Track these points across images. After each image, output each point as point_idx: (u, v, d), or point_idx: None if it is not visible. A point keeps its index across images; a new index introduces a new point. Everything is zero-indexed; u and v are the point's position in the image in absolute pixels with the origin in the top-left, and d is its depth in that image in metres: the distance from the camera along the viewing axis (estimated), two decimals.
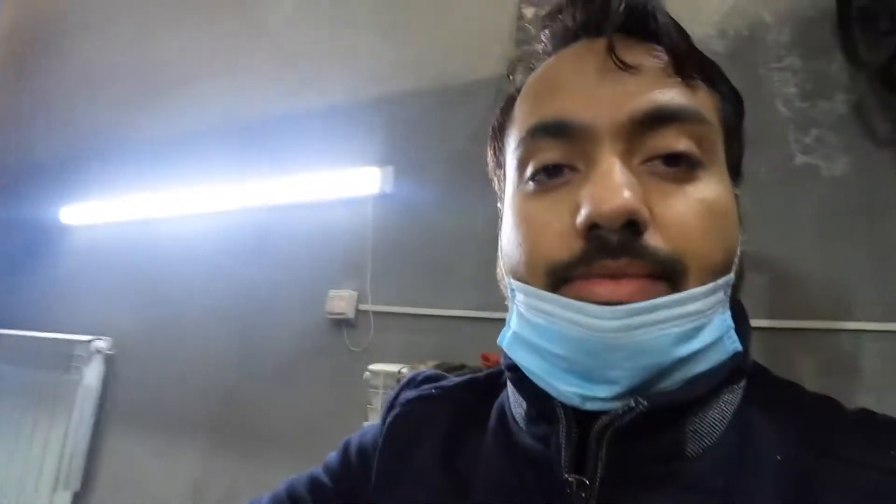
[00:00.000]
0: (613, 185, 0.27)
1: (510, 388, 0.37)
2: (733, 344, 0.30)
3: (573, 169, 0.31)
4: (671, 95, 0.30)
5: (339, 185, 1.57)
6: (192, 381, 1.70)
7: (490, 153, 0.42)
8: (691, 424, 0.29)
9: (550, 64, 0.35)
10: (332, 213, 1.59)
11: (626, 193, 0.27)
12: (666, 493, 0.29)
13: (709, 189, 0.30)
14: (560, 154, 0.31)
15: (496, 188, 0.43)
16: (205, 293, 1.76)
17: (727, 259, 0.30)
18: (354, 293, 1.46)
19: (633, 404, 0.27)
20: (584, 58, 0.32)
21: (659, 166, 0.30)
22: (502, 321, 1.23)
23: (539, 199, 0.32)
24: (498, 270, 0.38)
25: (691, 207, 0.29)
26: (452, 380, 0.45)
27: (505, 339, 0.34)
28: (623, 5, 0.32)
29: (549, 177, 0.31)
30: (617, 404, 0.28)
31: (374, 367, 1.22)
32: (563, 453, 0.30)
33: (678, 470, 0.29)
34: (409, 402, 0.43)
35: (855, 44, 0.98)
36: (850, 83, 1.08)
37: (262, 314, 1.63)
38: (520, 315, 0.32)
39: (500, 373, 0.42)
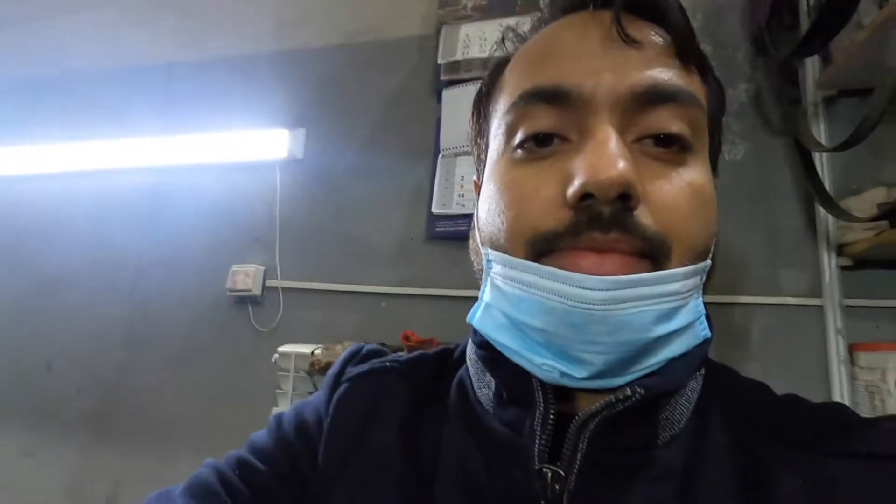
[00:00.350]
0: (611, 154, 0.27)
1: (474, 367, 0.35)
2: (704, 331, 0.29)
3: (564, 139, 0.30)
4: (671, 75, 0.29)
5: (242, 147, 1.41)
6: (66, 368, 1.48)
7: (472, 121, 0.40)
8: (664, 412, 0.29)
9: (548, 31, 0.34)
10: (236, 178, 1.43)
11: (623, 165, 0.26)
12: (639, 482, 0.28)
13: (697, 173, 0.30)
14: (553, 122, 0.30)
15: (474, 159, 0.41)
16: (83, 265, 1.52)
17: (707, 244, 0.30)
18: (261, 268, 1.34)
19: (629, 392, 0.27)
20: (588, 26, 0.31)
21: (650, 146, 0.29)
22: (424, 298, 1.19)
23: (527, 166, 0.30)
24: (472, 243, 0.37)
25: (680, 190, 0.28)
26: (401, 355, 0.43)
27: (476, 313, 0.32)
28: None
29: (539, 145, 0.30)
30: (592, 384, 0.27)
31: (284, 348, 1.13)
32: (537, 441, 0.29)
33: (649, 458, 0.29)
34: (359, 377, 0.39)
35: (762, 36, 1.03)
36: (752, 73, 1.15)
37: (154, 290, 1.45)
38: (495, 287, 0.31)
39: (451, 350, 0.42)
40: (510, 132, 0.32)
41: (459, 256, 1.22)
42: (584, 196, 0.27)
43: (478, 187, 0.39)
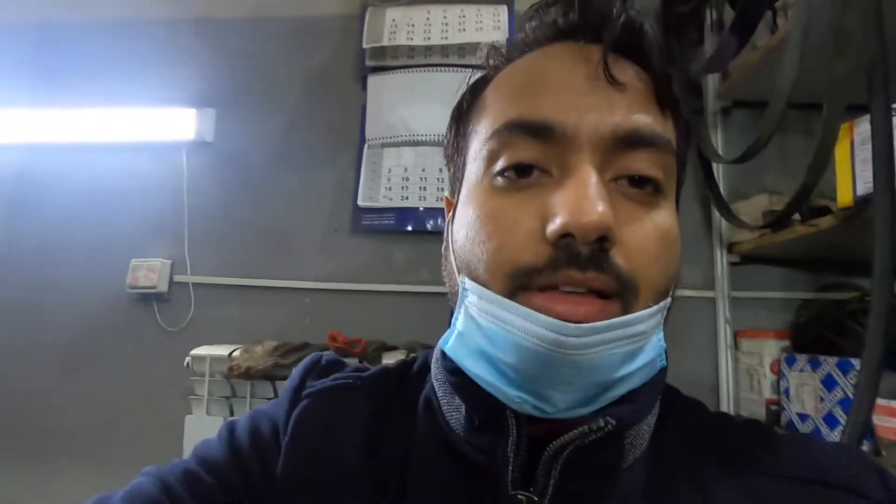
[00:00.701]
0: (592, 197, 0.27)
1: (442, 389, 0.35)
2: (662, 361, 0.31)
3: (544, 171, 0.30)
4: (650, 121, 0.31)
5: (140, 125, 1.26)
6: None
7: (449, 135, 0.40)
8: (629, 437, 0.31)
9: (534, 58, 0.34)
10: (133, 160, 1.28)
11: (604, 208, 0.27)
12: (603, 493, 0.30)
13: (665, 216, 0.31)
14: (535, 154, 0.30)
15: (448, 175, 0.41)
16: None
17: (669, 284, 0.31)
18: (167, 262, 1.22)
19: (601, 423, 0.28)
20: (575, 61, 0.32)
21: (626, 186, 0.30)
22: (350, 293, 1.15)
23: (507, 196, 0.31)
24: (445, 263, 0.36)
25: (650, 233, 0.30)
26: (363, 369, 0.41)
27: (448, 341, 0.32)
28: (622, 18, 0.32)
29: (519, 175, 0.31)
30: (561, 415, 0.28)
31: (197, 350, 1.05)
32: (510, 467, 0.29)
33: (615, 481, 0.31)
34: (322, 392, 0.38)
35: (671, 48, 1.10)
36: None
37: (27, 286, 1.26)
38: (469, 317, 0.31)
39: (411, 363, 0.41)
40: (491, 159, 0.32)
41: (387, 250, 1.20)
42: (564, 234, 0.27)
43: (450, 204, 0.39)
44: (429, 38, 1.19)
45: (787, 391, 0.92)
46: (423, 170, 1.18)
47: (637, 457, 0.31)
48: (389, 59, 1.23)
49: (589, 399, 0.29)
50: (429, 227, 1.18)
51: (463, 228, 0.33)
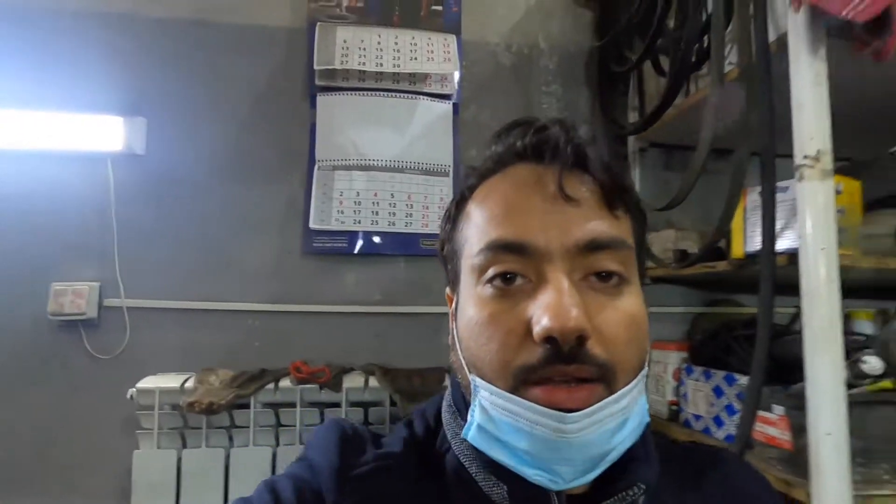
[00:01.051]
0: (567, 305, 0.34)
1: (475, 467, 0.40)
2: (646, 418, 0.39)
3: (525, 278, 0.37)
4: (604, 227, 0.38)
5: (53, 132, 1.14)
6: None
7: (443, 236, 0.47)
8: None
9: (503, 183, 0.41)
10: (52, 173, 1.16)
11: (577, 314, 0.34)
12: None
13: (631, 301, 0.38)
14: (516, 266, 0.37)
15: (445, 270, 0.47)
16: None
17: (643, 359, 0.38)
18: (95, 284, 1.14)
19: (636, 491, 0.37)
20: (536, 186, 0.39)
21: (594, 281, 0.37)
22: (303, 315, 1.16)
23: (499, 301, 0.38)
24: (453, 354, 0.43)
25: (620, 320, 0.37)
26: (393, 443, 0.45)
27: (470, 431, 0.38)
28: (570, 147, 0.39)
29: (505, 282, 0.38)
30: (569, 485, 0.36)
31: (144, 384, 1.01)
32: None
33: None
34: (367, 477, 0.41)
35: (604, 77, 1.23)
36: (590, 116, 1.37)
37: None
38: (483, 410, 0.37)
39: (423, 433, 0.46)
40: (482, 270, 0.39)
41: (339, 272, 1.23)
42: (548, 337, 0.34)
43: (450, 299, 0.46)
44: (381, 65, 1.21)
45: (685, 395, 1.12)
46: (376, 195, 1.22)
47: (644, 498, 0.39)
48: (340, 81, 1.23)
49: (589, 469, 0.36)
50: (381, 250, 1.22)
51: (466, 331, 0.39)
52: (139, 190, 1.18)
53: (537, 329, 0.34)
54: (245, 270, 1.19)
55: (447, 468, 0.42)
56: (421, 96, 1.26)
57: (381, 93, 1.24)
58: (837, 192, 0.77)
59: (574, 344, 0.34)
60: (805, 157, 0.74)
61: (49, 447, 1.10)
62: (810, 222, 0.73)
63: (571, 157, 0.39)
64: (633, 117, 1.31)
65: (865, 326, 1.23)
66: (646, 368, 0.39)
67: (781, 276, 0.80)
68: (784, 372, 0.85)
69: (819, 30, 0.75)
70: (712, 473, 0.45)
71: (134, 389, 1.01)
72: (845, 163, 0.99)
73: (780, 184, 0.82)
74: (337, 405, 1.08)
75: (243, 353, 1.16)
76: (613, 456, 0.37)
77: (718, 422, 1.01)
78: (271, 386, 1.03)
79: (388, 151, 1.23)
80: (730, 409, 0.98)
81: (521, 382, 0.36)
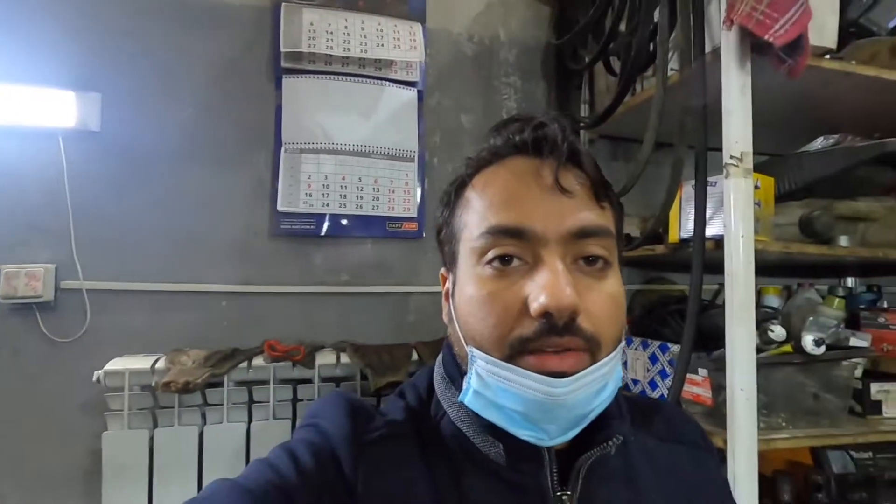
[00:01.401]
0: (563, 285, 0.39)
1: (472, 430, 0.44)
2: (620, 382, 0.45)
3: (522, 260, 0.42)
4: (593, 217, 0.43)
5: (6, 107, 1.08)
6: None
7: (441, 212, 0.50)
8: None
9: (501, 176, 0.45)
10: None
11: (570, 293, 0.38)
12: (605, 481, 0.45)
13: (614, 284, 0.43)
14: (514, 249, 0.42)
15: (441, 250, 0.50)
16: None
17: (621, 332, 0.44)
18: (51, 266, 1.10)
19: (614, 441, 0.43)
20: (534, 177, 0.43)
21: (583, 265, 0.42)
22: (272, 296, 1.19)
23: (496, 281, 0.42)
24: (451, 328, 0.47)
25: (604, 300, 0.42)
26: (395, 412, 0.48)
27: (466, 395, 0.43)
28: (566, 144, 0.43)
29: (503, 264, 0.42)
30: (555, 441, 0.41)
31: (112, 365, 1.01)
32: (551, 480, 0.43)
33: (609, 468, 0.45)
34: (379, 443, 0.44)
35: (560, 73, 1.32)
36: (547, 108, 1.46)
37: None
38: (479, 377, 0.42)
39: (418, 401, 0.49)
40: (481, 253, 0.43)
41: (307, 253, 1.25)
42: (545, 312, 0.38)
43: (444, 278, 0.50)
44: (348, 50, 1.23)
45: (625, 363, 1.26)
46: (343, 178, 1.25)
47: (618, 447, 0.45)
48: (306, 63, 1.24)
49: (572, 427, 0.41)
50: (348, 232, 1.26)
51: (465, 306, 0.43)
52: (96, 168, 1.14)
53: (535, 305, 0.39)
54: (212, 251, 1.19)
55: (444, 432, 0.46)
56: (387, 82, 1.29)
57: (348, 78, 1.26)
58: (756, 188, 0.91)
59: (567, 319, 0.38)
60: (731, 157, 0.86)
61: (9, 432, 1.07)
62: (734, 214, 0.86)
63: (567, 153, 0.43)
64: (584, 110, 1.42)
65: (773, 300, 1.43)
66: (623, 341, 0.44)
67: (708, 258, 0.93)
68: (708, 340, 0.99)
69: (746, 46, 0.86)
70: (658, 417, 0.55)
71: (101, 372, 1.01)
72: (764, 157, 1.14)
73: (710, 178, 0.94)
74: (309, 381, 1.13)
75: (212, 334, 1.17)
76: (593, 415, 0.42)
77: (653, 385, 1.16)
78: (244, 364, 1.06)
79: (356, 136, 1.26)
80: (663, 374, 1.13)
81: (516, 352, 0.40)
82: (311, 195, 1.23)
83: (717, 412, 0.94)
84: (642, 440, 0.51)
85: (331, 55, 1.23)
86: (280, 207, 1.21)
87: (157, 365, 1.02)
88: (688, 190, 1.00)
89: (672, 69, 1.02)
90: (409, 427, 0.47)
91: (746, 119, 0.86)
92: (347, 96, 1.26)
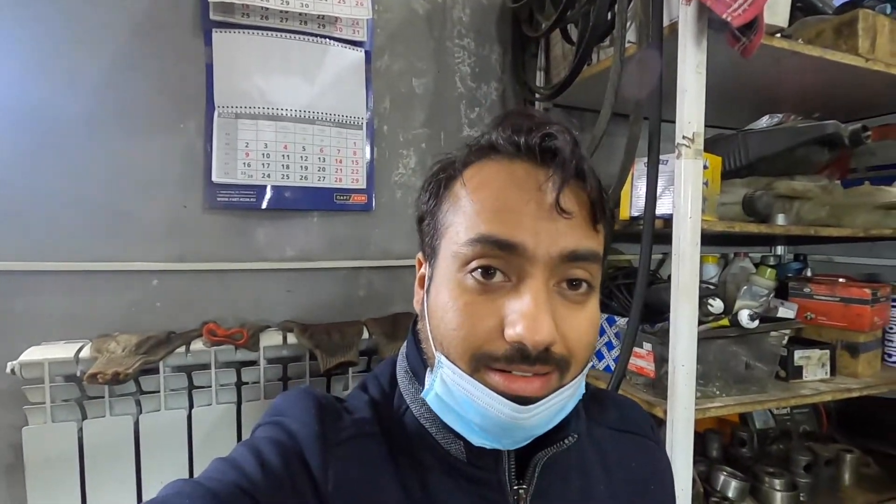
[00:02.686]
0: (543, 318, 0.38)
1: (435, 428, 0.45)
2: (580, 395, 0.45)
3: (505, 275, 0.40)
4: (587, 242, 0.41)
5: None
6: None
7: (424, 200, 0.47)
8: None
9: (498, 179, 0.42)
10: None
11: (549, 328, 0.38)
12: (559, 474, 0.47)
13: (593, 309, 0.43)
14: (499, 263, 0.40)
15: (421, 236, 0.48)
16: None
17: (592, 354, 0.45)
18: None
19: (570, 440, 0.44)
20: (534, 191, 0.40)
21: (566, 289, 0.41)
22: (207, 273, 1.11)
23: (477, 294, 0.40)
24: (423, 324, 0.45)
25: (582, 326, 0.41)
26: (361, 408, 0.47)
27: (429, 395, 0.43)
28: (574, 161, 0.40)
29: (485, 276, 0.40)
30: (512, 448, 0.43)
31: (29, 355, 0.91)
32: (509, 475, 0.44)
33: (563, 464, 0.47)
34: (348, 443, 0.43)
35: (516, 38, 1.27)
36: (501, 74, 1.40)
37: None
38: (444, 383, 0.41)
39: (381, 396, 0.49)
40: (466, 260, 0.41)
41: (247, 228, 1.17)
42: (519, 341, 0.38)
43: (420, 263, 0.48)
44: (287, 3, 1.11)
45: None
46: (286, 147, 1.16)
47: (571, 444, 0.46)
48: (239, 16, 1.11)
49: (524, 441, 0.43)
50: (292, 205, 1.19)
51: (439, 311, 0.42)
52: None
53: (510, 332, 0.38)
54: (138, 227, 1.09)
55: (407, 427, 0.46)
56: (331, 41, 1.18)
57: (287, 34, 1.14)
58: (704, 167, 0.92)
59: (541, 350, 0.38)
60: (684, 136, 0.86)
61: None
62: (683, 195, 0.86)
63: (573, 171, 0.40)
64: (539, 78, 1.38)
65: (711, 269, 1.50)
66: (592, 361, 0.45)
67: (655, 231, 0.95)
68: (651, 313, 1.02)
69: (704, 23, 0.85)
70: (610, 407, 0.56)
71: (16, 363, 0.91)
72: (716, 131, 1.16)
73: (662, 157, 0.94)
74: (254, 363, 1.08)
75: (143, 317, 1.08)
76: (547, 430, 0.43)
77: (599, 356, 1.20)
78: (182, 349, 0.99)
79: (298, 101, 1.16)
80: (609, 346, 1.16)
81: (481, 365, 0.40)
82: (249, 165, 1.13)
83: (659, 384, 0.98)
84: (594, 430, 0.53)
85: (267, 8, 1.11)
86: (215, 178, 1.11)
87: (82, 353, 0.94)
88: (640, 167, 1.00)
89: (629, 41, 1.00)
90: (375, 425, 0.46)
91: (700, 99, 0.86)
92: (287, 56, 1.15)
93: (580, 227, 0.41)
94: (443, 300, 0.42)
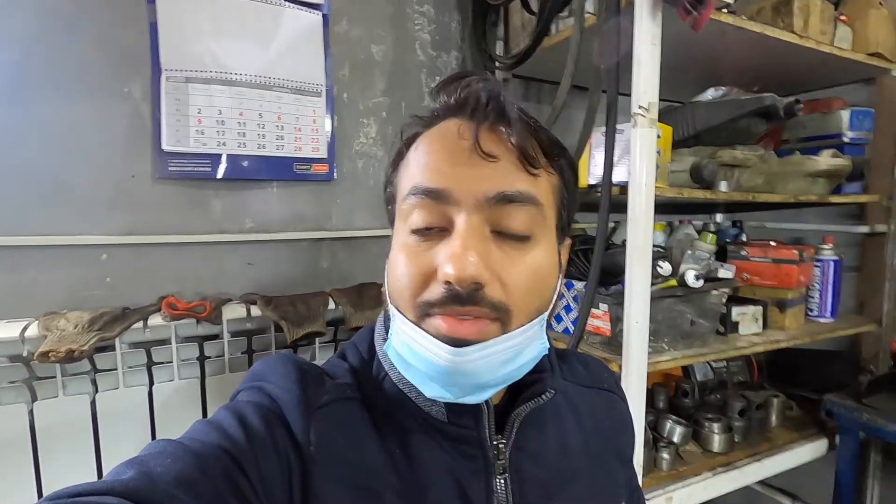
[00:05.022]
0: (466, 255, 0.39)
1: (414, 392, 0.46)
2: (545, 350, 0.46)
3: (442, 228, 0.42)
4: (518, 184, 0.42)
5: None
6: None
7: (390, 172, 0.49)
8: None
9: (431, 137, 0.45)
10: None
11: (473, 264, 0.39)
12: (535, 427, 0.49)
13: (536, 255, 0.43)
14: (433, 218, 0.42)
15: (386, 200, 0.50)
16: None
17: (542, 305, 0.44)
18: None
19: (548, 396, 0.47)
20: (457, 140, 0.42)
21: (503, 238, 0.42)
22: (163, 246, 1.10)
23: (417, 246, 0.43)
24: (385, 288, 0.47)
25: (521, 271, 0.42)
26: (342, 375, 0.48)
27: (389, 349, 0.45)
28: (490, 104, 0.42)
29: (424, 235, 0.42)
30: (461, 401, 0.42)
31: None
32: (488, 431, 0.46)
33: (539, 417, 0.49)
34: (330, 406, 0.44)
35: (476, 6, 1.26)
36: (461, 44, 1.39)
37: None
38: (397, 335, 0.44)
39: (360, 361, 0.50)
40: (407, 215, 0.43)
41: (203, 198, 1.13)
42: (448, 281, 0.39)
43: (391, 218, 0.49)
44: None
45: None
46: (241, 114, 1.11)
47: (546, 401, 0.49)
48: None
49: (476, 392, 0.42)
50: (250, 175, 1.15)
51: (391, 269, 0.45)
52: None
53: (439, 273, 0.40)
54: (81, 198, 1.02)
55: (387, 392, 0.47)
56: (286, 3, 1.13)
57: None
58: (658, 137, 0.97)
59: (471, 288, 0.39)
60: (640, 107, 0.90)
61: None
62: (639, 163, 0.91)
63: (492, 115, 0.41)
64: (499, 47, 1.38)
65: (658, 236, 1.59)
66: (547, 311, 0.45)
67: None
68: (607, 276, 1.08)
69: None
70: (578, 365, 0.60)
71: None
72: (665, 103, 1.21)
73: (618, 126, 0.99)
74: (216, 337, 1.06)
75: (94, 293, 1.03)
76: (505, 383, 0.44)
77: (558, 318, 1.26)
78: (140, 325, 0.96)
79: (253, 65, 1.11)
80: (567, 308, 1.23)
81: (424, 314, 0.41)
82: (203, 133, 1.08)
83: (615, 341, 1.05)
84: (567, 387, 0.56)
85: None
86: (166, 147, 1.05)
87: (28, 332, 0.88)
88: (597, 137, 1.04)
89: (588, 12, 1.02)
90: (356, 390, 0.47)
91: (655, 70, 0.90)
92: (240, 17, 1.09)
93: (507, 171, 0.42)
94: (393, 258, 0.45)
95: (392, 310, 0.44)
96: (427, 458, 0.45)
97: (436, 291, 0.40)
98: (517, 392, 0.48)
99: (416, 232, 0.43)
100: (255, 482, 0.37)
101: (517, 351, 0.43)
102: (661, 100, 0.92)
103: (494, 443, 0.46)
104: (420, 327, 0.42)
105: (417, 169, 0.44)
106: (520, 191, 0.42)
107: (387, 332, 0.48)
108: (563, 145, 0.47)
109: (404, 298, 0.43)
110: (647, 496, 1.03)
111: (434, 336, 0.40)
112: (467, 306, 0.40)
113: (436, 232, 0.42)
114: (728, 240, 1.58)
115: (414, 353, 0.42)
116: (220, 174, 1.11)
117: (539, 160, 0.43)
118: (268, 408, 0.43)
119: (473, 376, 0.41)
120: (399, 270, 0.43)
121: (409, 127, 0.48)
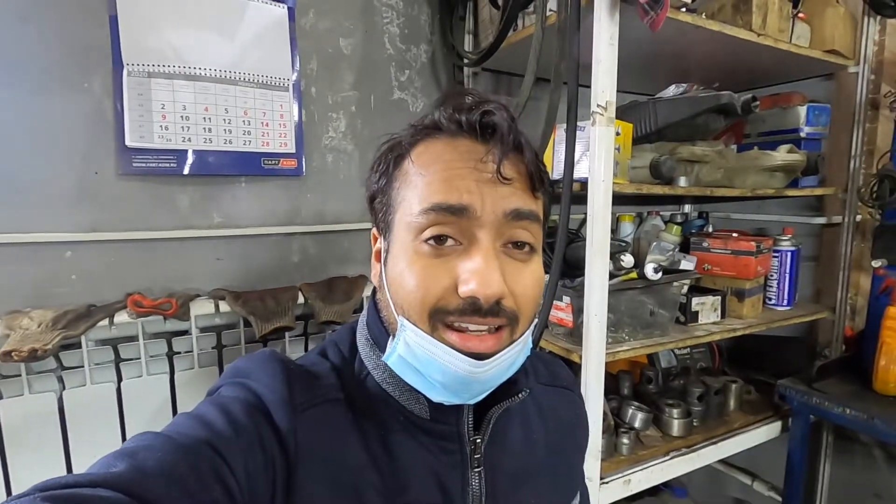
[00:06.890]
0: (493, 274, 0.42)
1: (399, 390, 0.48)
2: (529, 350, 0.50)
3: (456, 241, 0.44)
4: (527, 204, 0.46)
5: None
6: None
7: (377, 183, 0.49)
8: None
9: (445, 155, 0.45)
10: None
11: (497, 282, 0.42)
12: (507, 424, 0.52)
13: (536, 267, 0.47)
14: (451, 228, 0.44)
15: (373, 210, 0.51)
16: None
17: (537, 310, 0.49)
18: None
19: (523, 395, 0.49)
20: (478, 162, 0.44)
21: (511, 249, 0.46)
22: (129, 242, 1.10)
23: (431, 258, 0.44)
24: (383, 294, 0.49)
25: (527, 282, 0.46)
26: (326, 374, 0.50)
27: (390, 358, 0.46)
28: (512, 135, 0.45)
29: (439, 243, 0.44)
30: (467, 402, 0.47)
31: None
32: (467, 427, 0.49)
33: (512, 416, 0.53)
34: (315, 408, 0.46)
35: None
36: (431, 37, 1.40)
37: None
38: (407, 345, 0.45)
39: (341, 363, 0.51)
40: (420, 230, 0.44)
41: (168, 194, 1.12)
42: (471, 296, 0.42)
43: (376, 238, 0.51)
44: None
45: None
46: (207, 109, 1.10)
47: (520, 400, 0.52)
48: None
49: (479, 395, 0.47)
50: (217, 170, 1.14)
51: (398, 278, 0.45)
52: None
53: (464, 289, 0.42)
54: (42, 196, 1.01)
55: (369, 391, 0.49)
56: None
57: None
58: (617, 134, 0.99)
59: (493, 303, 0.42)
60: (598, 105, 0.92)
61: None
62: (597, 161, 0.94)
63: (511, 144, 0.45)
64: (468, 41, 1.39)
65: (628, 227, 1.63)
66: (536, 319, 0.49)
67: (575, 193, 1.02)
68: (571, 269, 1.11)
69: None
70: (540, 364, 0.64)
71: None
72: (634, 97, 1.24)
73: (579, 123, 1.01)
74: (185, 333, 1.07)
75: (57, 291, 1.02)
76: (500, 383, 0.48)
77: None
78: (105, 322, 0.96)
79: (218, 60, 1.10)
80: None
81: (438, 322, 0.43)
82: (167, 128, 1.07)
83: (577, 332, 1.08)
84: (532, 385, 0.59)
85: None
86: (129, 143, 1.04)
87: None
88: (560, 133, 1.06)
89: (550, 10, 1.03)
90: (340, 391, 0.49)
91: (612, 69, 0.92)
92: (202, 10, 1.08)
93: (520, 192, 0.46)
94: (400, 268, 0.45)
95: (403, 322, 0.45)
96: (408, 455, 0.47)
97: (454, 302, 0.43)
98: (496, 390, 0.50)
99: (431, 244, 0.44)
100: (240, 477, 0.39)
101: (518, 356, 0.47)
102: (629, 93, 0.94)
103: (472, 438, 0.50)
104: (433, 337, 0.43)
105: (432, 185, 0.44)
106: (531, 209, 0.46)
107: (378, 336, 0.50)
108: (547, 171, 0.50)
109: (417, 308, 0.44)
110: (606, 480, 1.07)
111: (451, 347, 0.43)
112: (488, 318, 0.43)
113: (452, 246, 0.44)
114: (693, 231, 1.63)
115: (431, 362, 0.43)
116: (186, 170, 1.11)
117: (540, 182, 0.47)
118: (254, 405, 0.44)
119: (486, 382, 0.45)
120: (413, 282, 0.44)
121: (410, 136, 0.48)
